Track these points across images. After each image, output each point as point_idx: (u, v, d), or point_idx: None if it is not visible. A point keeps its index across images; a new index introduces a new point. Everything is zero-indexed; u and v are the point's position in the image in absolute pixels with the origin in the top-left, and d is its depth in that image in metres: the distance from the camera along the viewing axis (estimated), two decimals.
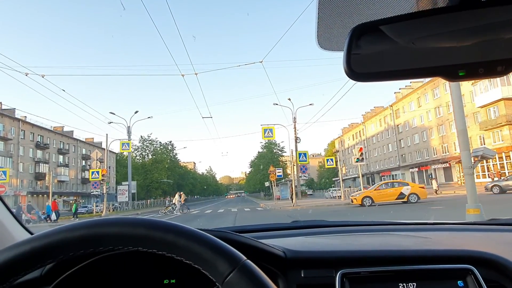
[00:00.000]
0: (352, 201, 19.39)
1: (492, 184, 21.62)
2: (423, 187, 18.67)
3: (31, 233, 1.11)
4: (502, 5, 0.56)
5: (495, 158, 29.89)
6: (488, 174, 29.64)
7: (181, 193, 25.19)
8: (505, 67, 0.56)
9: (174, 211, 23.13)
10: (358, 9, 0.72)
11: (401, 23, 0.61)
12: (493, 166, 33.48)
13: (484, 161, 25.72)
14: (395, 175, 53.62)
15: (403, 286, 0.87)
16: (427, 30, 0.60)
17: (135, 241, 0.54)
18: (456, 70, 0.58)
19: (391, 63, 0.62)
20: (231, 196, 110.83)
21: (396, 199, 17.64)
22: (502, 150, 32.15)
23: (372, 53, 0.64)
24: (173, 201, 24.70)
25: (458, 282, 0.87)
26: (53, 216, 22.65)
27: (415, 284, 0.87)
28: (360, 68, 0.62)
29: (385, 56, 0.62)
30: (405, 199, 17.49)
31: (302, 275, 0.91)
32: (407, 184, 18.56)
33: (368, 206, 17.53)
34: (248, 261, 0.53)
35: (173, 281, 0.94)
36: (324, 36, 0.76)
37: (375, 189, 18.97)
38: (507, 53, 0.56)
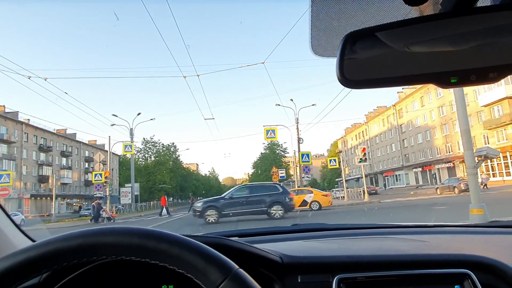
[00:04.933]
0: None
1: (436, 187, 26.18)
2: (326, 195, 19.38)
3: (32, 239, 1.12)
4: (494, 12, 0.58)
5: (499, 157, 29.71)
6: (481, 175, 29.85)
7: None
8: (497, 74, 0.56)
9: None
10: (351, 16, 0.73)
11: (393, 30, 0.61)
12: (497, 165, 33.29)
13: (489, 160, 25.85)
14: (399, 175, 53.44)
15: None
16: (420, 36, 0.61)
17: (128, 251, 0.55)
18: (448, 77, 0.58)
19: (383, 70, 0.62)
20: None
21: (299, 206, 18.08)
22: (506, 149, 31.95)
23: (364, 60, 0.64)
24: None
25: (455, 286, 0.87)
26: (164, 212, 23.65)
27: None
28: (353, 75, 0.62)
29: (378, 63, 0.63)
30: (307, 206, 18.07)
31: (299, 281, 0.91)
32: (311, 192, 19.13)
33: None
34: (240, 270, 0.53)
35: (171, 286, 0.94)
36: (318, 43, 0.76)
37: None
38: (499, 59, 0.56)
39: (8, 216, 1.08)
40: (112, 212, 23.64)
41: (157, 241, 0.55)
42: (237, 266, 0.54)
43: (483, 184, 25.89)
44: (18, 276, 0.53)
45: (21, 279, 0.53)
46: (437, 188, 27.08)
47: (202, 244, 0.56)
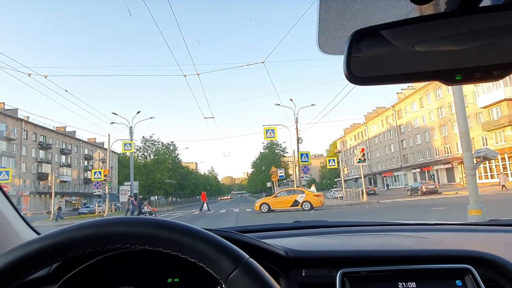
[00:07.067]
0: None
1: (407, 188, 30.87)
2: (317, 195, 19.46)
3: (38, 233, 1.14)
4: (499, 11, 0.58)
5: (498, 159, 29.78)
6: (497, 175, 29.71)
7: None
8: (501, 72, 0.57)
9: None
10: (358, 14, 0.73)
11: (399, 28, 0.62)
12: (496, 167, 33.34)
13: (487, 162, 25.88)
14: (397, 175, 53.48)
15: (403, 285, 0.88)
16: (426, 35, 0.61)
17: (142, 240, 0.56)
18: (453, 74, 0.59)
19: (389, 67, 0.63)
20: (226, 198, 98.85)
21: (291, 206, 18.35)
22: (504, 151, 31.99)
23: (371, 57, 0.65)
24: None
25: (457, 281, 0.89)
26: (205, 207, 23.92)
27: (414, 283, 0.88)
28: (360, 72, 0.63)
29: (384, 60, 0.63)
30: (298, 207, 18.22)
31: (304, 274, 0.92)
32: (303, 192, 19.26)
33: (265, 212, 18.35)
34: (251, 259, 0.54)
35: (177, 279, 0.96)
36: (325, 41, 0.78)
37: (273, 196, 19.85)
38: (503, 57, 0.57)
39: (16, 209, 1.09)
40: (154, 207, 23.93)
41: (169, 231, 0.55)
42: (247, 256, 0.55)
43: (502, 185, 24.71)
44: (33, 263, 0.54)
45: (36, 267, 0.54)
46: (408, 190, 30.13)
47: (214, 235, 0.57)
